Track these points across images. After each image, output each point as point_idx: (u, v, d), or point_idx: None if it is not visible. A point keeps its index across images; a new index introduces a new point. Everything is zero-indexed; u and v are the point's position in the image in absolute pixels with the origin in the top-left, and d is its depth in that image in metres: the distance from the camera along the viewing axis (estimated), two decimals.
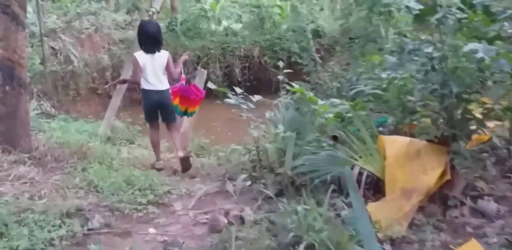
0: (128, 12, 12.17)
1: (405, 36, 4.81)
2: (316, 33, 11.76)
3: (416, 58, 3.57)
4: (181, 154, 5.46)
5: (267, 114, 5.00)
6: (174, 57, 6.19)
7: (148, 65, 5.23)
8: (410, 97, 3.92)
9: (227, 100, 4.77)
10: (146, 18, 6.27)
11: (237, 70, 12.41)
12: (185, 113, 5.78)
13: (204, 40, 12.31)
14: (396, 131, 4.24)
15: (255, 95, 5.00)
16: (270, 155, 4.56)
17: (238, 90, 4.95)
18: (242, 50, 12.38)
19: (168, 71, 5.35)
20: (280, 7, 12.99)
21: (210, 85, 4.92)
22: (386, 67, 3.90)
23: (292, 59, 12.08)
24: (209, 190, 4.62)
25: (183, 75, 5.65)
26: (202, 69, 6.30)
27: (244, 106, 4.84)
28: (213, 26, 12.67)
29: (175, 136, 5.68)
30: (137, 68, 5.28)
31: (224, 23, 12.89)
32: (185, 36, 12.26)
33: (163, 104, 5.44)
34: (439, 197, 3.59)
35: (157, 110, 5.50)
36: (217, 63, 12.31)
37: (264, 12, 12.68)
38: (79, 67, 10.10)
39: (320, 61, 6.61)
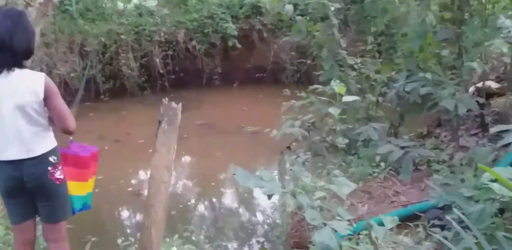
0: None
1: None
2: (257, 10, 10.06)
3: None
4: None
5: None
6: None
7: None
8: None
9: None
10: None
11: (157, 60, 10.58)
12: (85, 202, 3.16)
13: (110, 23, 10.31)
14: None
15: None
16: None
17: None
18: (162, 34, 10.52)
19: (53, 114, 2.78)
20: None
21: None
22: None
23: (229, 44, 10.55)
24: None
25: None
26: (173, 104, 3.41)
27: None
28: (120, 5, 10.70)
29: None
30: None
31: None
32: (83, 19, 10.20)
33: (33, 188, 2.82)
34: None
35: (23, 201, 2.90)
36: (130, 52, 10.39)
37: None
38: None
39: (352, 63, 4.28)
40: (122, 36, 10.18)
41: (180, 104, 3.27)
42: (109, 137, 7.91)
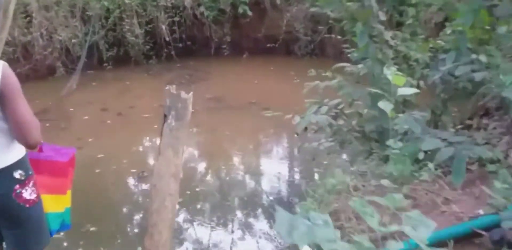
0: None
1: None
2: None
3: None
4: None
5: None
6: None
7: None
8: None
9: None
10: None
11: (163, 27, 9.89)
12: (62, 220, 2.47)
13: None
14: None
15: None
16: None
17: None
18: None
19: (10, 120, 2.02)
20: None
21: None
22: None
23: (240, 11, 9.84)
24: None
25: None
26: (183, 94, 2.60)
27: None
28: None
29: None
30: None
31: None
32: None
33: None
34: None
35: None
36: (134, 17, 9.71)
37: None
38: None
39: (389, 39, 3.65)
40: (126, 0, 9.47)
41: (191, 94, 2.58)
42: (111, 109, 7.37)
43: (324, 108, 3.58)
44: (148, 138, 6.48)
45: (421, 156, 2.99)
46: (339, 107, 3.68)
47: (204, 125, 6.57)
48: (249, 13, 9.79)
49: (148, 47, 9.81)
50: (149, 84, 8.91)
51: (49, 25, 9.11)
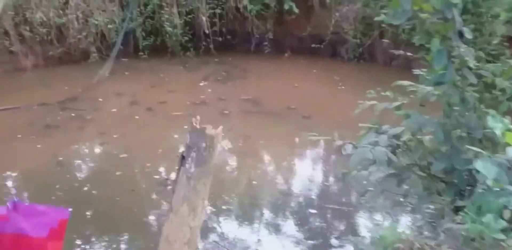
0: None
1: None
2: None
3: None
4: None
5: None
6: None
7: None
8: None
9: None
10: None
11: (204, 18, 9.44)
12: None
13: None
14: None
15: None
16: None
17: None
18: None
19: None
20: None
21: None
22: None
23: (285, 7, 9.26)
24: None
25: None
26: (209, 129, 2.05)
27: None
28: None
29: None
30: None
31: None
32: None
33: None
34: None
35: None
36: (174, 6, 9.29)
37: None
38: None
39: (471, 61, 3.03)
40: None
41: (220, 130, 1.95)
42: (141, 103, 6.96)
43: (383, 138, 3.01)
44: (177, 140, 6.00)
45: (506, 214, 2.41)
46: (402, 140, 3.09)
47: (236, 130, 6.05)
48: (295, 10, 9.22)
49: (186, 38, 9.39)
50: (184, 78, 8.48)
51: (86, 8, 8.78)
